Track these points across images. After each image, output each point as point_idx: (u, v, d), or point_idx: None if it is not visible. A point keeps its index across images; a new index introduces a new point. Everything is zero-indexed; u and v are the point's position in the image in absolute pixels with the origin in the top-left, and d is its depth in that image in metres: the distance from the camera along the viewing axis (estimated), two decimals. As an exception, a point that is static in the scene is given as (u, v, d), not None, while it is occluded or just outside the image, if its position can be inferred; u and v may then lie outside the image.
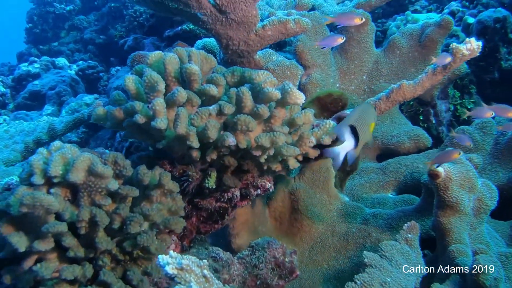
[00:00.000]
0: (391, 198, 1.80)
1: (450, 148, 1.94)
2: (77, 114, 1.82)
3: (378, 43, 3.34)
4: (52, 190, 1.04)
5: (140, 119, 1.11)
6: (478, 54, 1.50)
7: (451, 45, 1.50)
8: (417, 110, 2.12)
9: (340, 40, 1.69)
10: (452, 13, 3.04)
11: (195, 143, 1.11)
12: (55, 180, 1.03)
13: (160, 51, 1.25)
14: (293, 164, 1.25)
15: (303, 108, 1.52)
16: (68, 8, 6.33)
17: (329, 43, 1.76)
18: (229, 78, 1.25)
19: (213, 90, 1.18)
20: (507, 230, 1.57)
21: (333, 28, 2.16)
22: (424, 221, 1.59)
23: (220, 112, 1.15)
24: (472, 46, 1.48)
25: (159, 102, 1.09)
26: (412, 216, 1.59)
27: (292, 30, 1.57)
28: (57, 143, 1.10)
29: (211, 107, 1.16)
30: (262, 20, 2.07)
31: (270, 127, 1.19)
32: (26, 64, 4.97)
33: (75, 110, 3.60)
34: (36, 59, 5.05)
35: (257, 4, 1.51)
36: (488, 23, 2.53)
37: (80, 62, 5.23)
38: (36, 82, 4.49)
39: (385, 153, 2.00)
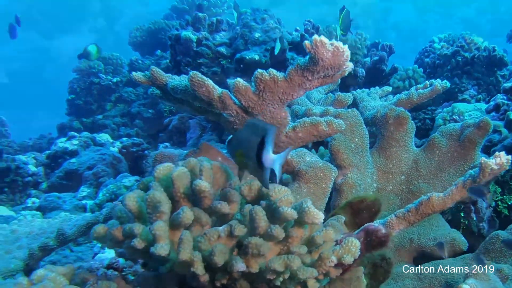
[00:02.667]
0: (427, 306, 1.64)
1: None
2: (91, 217, 1.67)
3: (427, 131, 3.38)
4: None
5: (138, 244, 1.00)
6: (508, 168, 1.40)
7: (480, 159, 1.39)
8: (458, 207, 1.97)
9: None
10: (498, 106, 2.91)
11: (200, 270, 0.99)
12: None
13: (170, 164, 1.16)
14: (313, 285, 1.11)
15: (333, 214, 1.38)
16: (115, 79, 6.01)
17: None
18: (245, 192, 1.14)
19: (225, 208, 1.07)
20: None
21: (371, 126, 2.08)
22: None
23: (230, 234, 1.04)
24: (502, 160, 1.38)
25: (160, 227, 0.98)
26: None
27: (324, 132, 1.47)
28: (40, 272, 1.00)
29: (220, 228, 1.04)
30: (298, 117, 1.99)
31: (287, 247, 1.07)
32: (63, 139, 4.70)
33: (113, 193, 3.36)
34: (75, 134, 4.79)
35: (298, 98, 1.42)
36: (528, 121, 2.40)
37: (124, 139, 4.90)
38: (73, 160, 4.22)
39: (421, 256, 1.84)
